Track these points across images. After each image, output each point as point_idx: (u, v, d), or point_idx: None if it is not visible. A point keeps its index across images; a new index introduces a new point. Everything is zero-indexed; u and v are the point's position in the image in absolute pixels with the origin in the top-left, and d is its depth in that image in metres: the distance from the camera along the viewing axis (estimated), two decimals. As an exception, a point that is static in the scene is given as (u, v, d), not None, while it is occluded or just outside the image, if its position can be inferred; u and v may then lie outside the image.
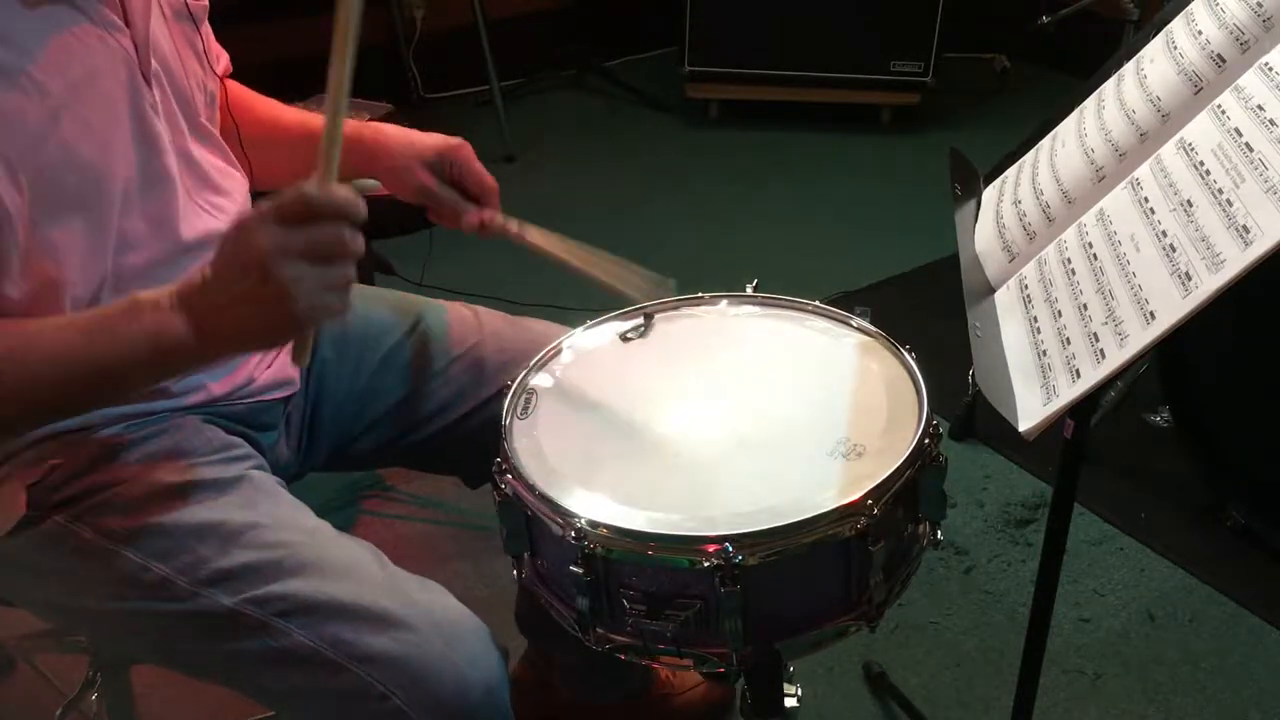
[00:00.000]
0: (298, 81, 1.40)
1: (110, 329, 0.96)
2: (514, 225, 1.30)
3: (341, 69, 0.89)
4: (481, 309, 1.41)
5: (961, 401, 2.24)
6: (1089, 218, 1.08)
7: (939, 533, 1.07)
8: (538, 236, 1.30)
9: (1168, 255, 0.94)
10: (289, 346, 0.99)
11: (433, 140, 1.30)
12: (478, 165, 1.30)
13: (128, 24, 1.06)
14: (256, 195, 1.29)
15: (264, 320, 0.93)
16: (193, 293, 0.94)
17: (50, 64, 0.97)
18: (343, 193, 0.91)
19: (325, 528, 1.13)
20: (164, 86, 1.11)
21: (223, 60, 1.30)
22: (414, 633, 1.04)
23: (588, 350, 1.21)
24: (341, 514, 2.12)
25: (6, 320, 0.98)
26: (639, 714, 1.67)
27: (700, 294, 1.26)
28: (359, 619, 1.04)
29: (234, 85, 1.34)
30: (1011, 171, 1.28)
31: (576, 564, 0.96)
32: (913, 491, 1.01)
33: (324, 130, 0.92)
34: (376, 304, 1.39)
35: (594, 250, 1.28)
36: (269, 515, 1.11)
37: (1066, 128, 1.21)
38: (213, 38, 1.27)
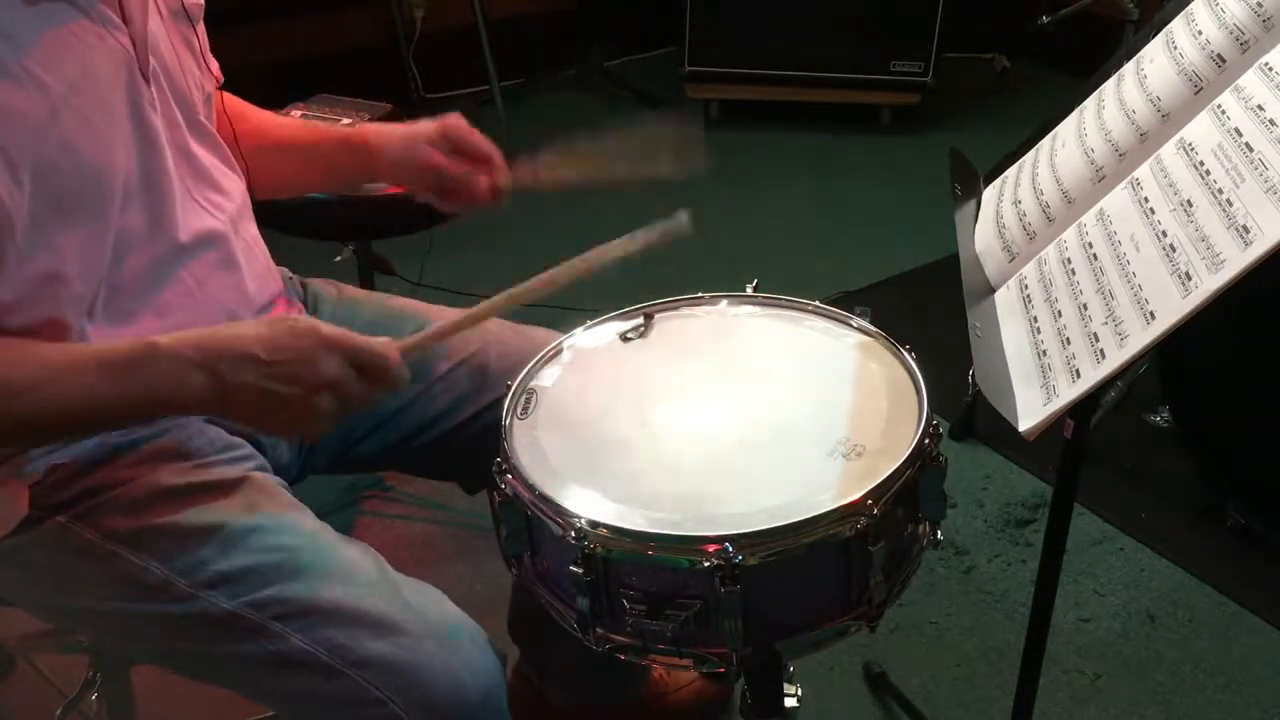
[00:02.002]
0: (293, 84, 1.41)
1: (126, 373, 0.98)
2: (526, 172, 1.30)
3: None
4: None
5: (961, 401, 2.24)
6: (1089, 218, 1.08)
7: (939, 533, 1.07)
8: (555, 168, 1.30)
9: (1168, 255, 0.94)
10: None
11: (429, 123, 1.31)
12: (476, 133, 1.31)
13: (125, 22, 1.06)
14: (256, 202, 1.29)
15: (275, 420, 1.02)
16: (222, 358, 0.99)
17: (49, 60, 0.97)
18: (406, 373, 1.05)
19: (325, 530, 1.13)
20: (162, 85, 1.11)
21: (213, 65, 1.30)
22: (411, 638, 1.04)
23: (588, 350, 1.21)
24: (342, 515, 2.12)
25: (28, 344, 1.00)
26: (633, 715, 1.66)
27: (700, 294, 1.26)
28: (357, 623, 1.04)
29: (230, 97, 1.34)
30: (1011, 171, 1.28)
31: (576, 564, 0.96)
32: (913, 491, 1.01)
33: (451, 322, 1.10)
34: (380, 309, 1.39)
35: (612, 146, 1.26)
36: (269, 517, 1.11)
37: (1066, 128, 1.21)
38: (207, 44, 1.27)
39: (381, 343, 1.04)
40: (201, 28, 1.22)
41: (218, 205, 1.18)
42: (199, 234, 1.14)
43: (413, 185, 1.32)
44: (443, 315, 1.40)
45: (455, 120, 1.30)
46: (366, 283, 2.13)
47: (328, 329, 1.02)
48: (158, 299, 1.10)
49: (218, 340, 1.00)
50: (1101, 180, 1.10)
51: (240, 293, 1.19)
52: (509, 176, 1.31)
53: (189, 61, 1.17)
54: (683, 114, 1.24)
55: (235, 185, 1.24)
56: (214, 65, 1.30)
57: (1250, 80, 0.98)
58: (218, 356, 0.98)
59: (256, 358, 0.98)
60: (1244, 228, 0.88)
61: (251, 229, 1.25)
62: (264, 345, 0.99)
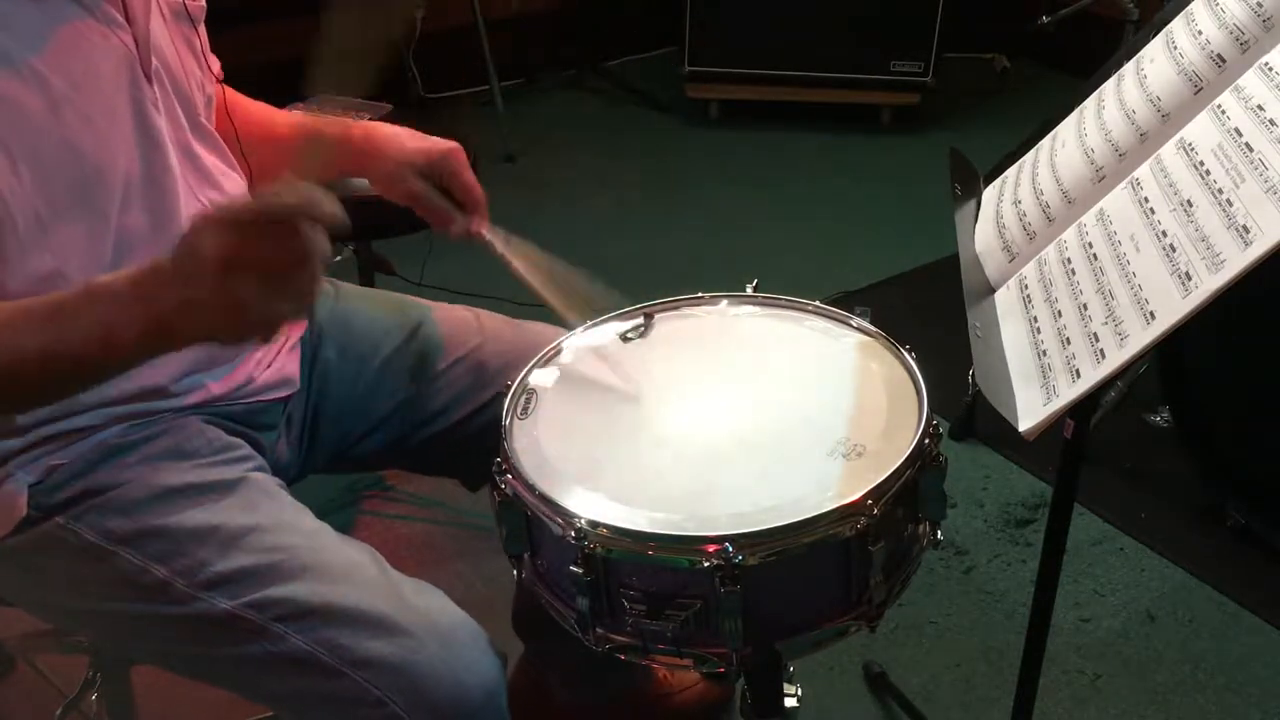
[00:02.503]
0: (291, 83, 1.40)
1: (66, 317, 0.92)
2: (499, 244, 1.28)
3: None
4: (483, 312, 1.41)
5: (961, 401, 2.24)
6: (1089, 218, 1.08)
7: (939, 533, 1.07)
8: (520, 262, 1.27)
9: (1168, 255, 0.94)
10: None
11: (424, 145, 1.28)
12: (468, 174, 1.29)
13: (129, 21, 1.06)
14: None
15: (219, 324, 0.90)
16: (146, 283, 0.90)
17: (52, 57, 0.98)
18: (297, 194, 0.86)
19: (325, 530, 1.13)
20: (165, 84, 1.11)
21: (214, 66, 1.29)
22: (412, 638, 1.04)
23: (588, 350, 1.21)
24: (341, 514, 2.12)
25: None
26: (636, 714, 1.66)
27: (700, 294, 1.26)
28: (357, 624, 1.04)
29: (226, 89, 1.34)
30: (1011, 171, 1.28)
31: (576, 564, 0.96)
32: (913, 491, 1.01)
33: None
34: (378, 306, 1.39)
35: (565, 277, 1.26)
36: (269, 518, 1.11)
37: (1066, 128, 1.21)
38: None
39: (256, 194, 0.91)
40: (203, 29, 1.22)
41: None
42: None
43: (391, 198, 1.31)
44: (439, 310, 1.40)
45: (452, 154, 1.28)
46: (366, 283, 2.14)
47: (209, 214, 0.90)
48: None
49: (139, 269, 0.91)
50: (1101, 180, 1.10)
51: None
52: (484, 233, 1.29)
53: (190, 62, 1.17)
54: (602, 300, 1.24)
55: (236, 185, 1.24)
56: (215, 64, 1.30)
57: (1250, 80, 0.98)
58: (141, 285, 0.90)
59: (162, 272, 0.89)
60: (1244, 228, 0.88)
61: (253, 229, 1.25)
62: (172, 257, 0.89)
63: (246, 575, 1.06)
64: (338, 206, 0.88)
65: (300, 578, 1.06)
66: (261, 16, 3.22)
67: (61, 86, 0.98)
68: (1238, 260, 0.87)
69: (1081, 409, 1.10)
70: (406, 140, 1.29)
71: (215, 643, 1.06)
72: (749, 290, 1.25)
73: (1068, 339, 1.01)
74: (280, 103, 1.43)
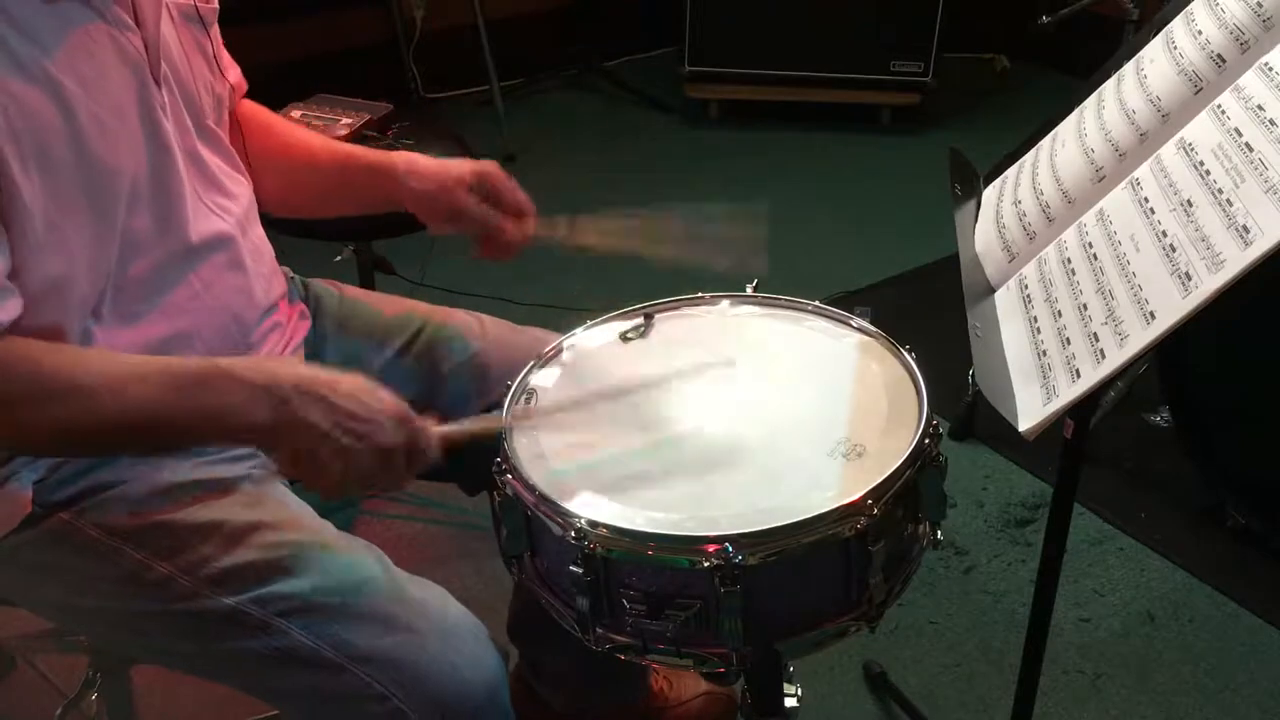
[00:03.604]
0: (293, 84, 1.41)
1: (190, 387, 0.98)
2: (561, 228, 1.30)
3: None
4: (485, 316, 1.41)
5: (961, 401, 2.24)
6: (1089, 218, 1.08)
7: (939, 533, 1.07)
8: (591, 233, 1.30)
9: (1168, 255, 0.94)
10: None
11: (468, 163, 1.30)
12: (512, 183, 1.30)
13: (138, 24, 1.06)
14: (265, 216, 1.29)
15: (320, 468, 0.99)
16: (296, 390, 0.98)
17: (63, 59, 0.98)
18: (436, 455, 1.04)
19: (327, 528, 1.14)
20: (173, 88, 1.11)
21: (234, 73, 1.29)
22: (414, 634, 1.04)
23: (588, 350, 1.21)
24: (342, 514, 2.12)
25: (87, 352, 1.01)
26: (630, 724, 1.66)
27: (700, 294, 1.26)
28: (360, 619, 1.04)
29: (260, 109, 1.34)
30: (1011, 171, 1.28)
31: (576, 564, 0.96)
32: (913, 491, 1.01)
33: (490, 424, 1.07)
34: (381, 310, 1.38)
35: (653, 224, 1.27)
36: (271, 515, 1.11)
37: (1066, 128, 1.21)
38: (223, 48, 1.27)
39: (429, 426, 1.04)
40: (215, 31, 1.22)
41: (225, 209, 1.18)
42: (208, 237, 1.14)
43: (433, 220, 1.30)
44: (441, 314, 1.39)
45: (492, 167, 1.30)
46: (366, 283, 2.13)
47: (397, 399, 1.02)
48: (165, 301, 1.10)
49: (291, 372, 1.00)
50: (1101, 180, 1.10)
51: (247, 295, 1.19)
52: (534, 231, 1.30)
53: (200, 65, 1.17)
54: (751, 211, 1.23)
55: (242, 188, 1.24)
56: (235, 72, 1.30)
57: (1250, 80, 0.98)
58: (290, 387, 0.98)
59: (328, 400, 0.98)
60: (1244, 228, 0.88)
61: (258, 231, 1.26)
62: (337, 390, 0.99)
63: (250, 571, 1.06)
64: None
65: (304, 574, 1.06)
66: (261, 17, 3.22)
67: (72, 89, 0.98)
68: (1238, 260, 0.87)
69: (1081, 409, 1.10)
70: (448, 163, 1.30)
71: (218, 639, 1.07)
72: (749, 290, 1.25)
73: (1068, 339, 1.01)
74: (280, 103, 1.43)
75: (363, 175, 1.32)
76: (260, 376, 0.98)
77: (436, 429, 1.05)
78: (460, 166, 1.29)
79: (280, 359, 1.10)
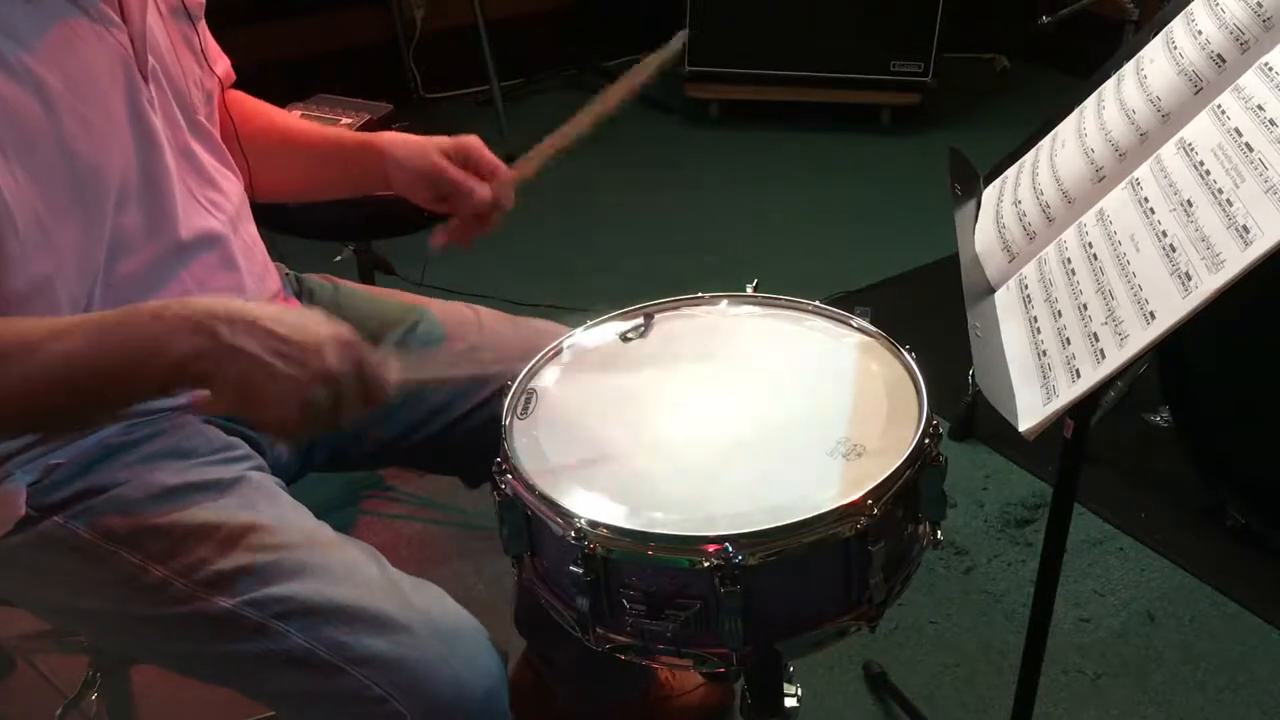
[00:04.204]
0: (293, 84, 1.41)
1: (107, 332, 0.93)
2: (521, 162, 1.32)
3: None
4: (482, 309, 1.41)
5: (961, 401, 2.24)
6: (1089, 218, 1.08)
7: (939, 533, 1.07)
8: (545, 148, 1.33)
9: (1168, 255, 0.94)
10: None
11: (447, 138, 1.31)
12: (490, 154, 1.31)
13: (124, 20, 1.06)
14: (254, 204, 1.29)
15: (262, 400, 0.93)
16: (221, 319, 0.92)
17: (48, 57, 0.97)
18: (395, 391, 0.99)
19: (324, 529, 1.13)
20: (161, 83, 1.11)
21: (222, 64, 1.29)
22: (412, 635, 1.04)
23: (588, 350, 1.21)
24: (341, 514, 2.12)
25: (7, 320, 0.97)
26: (638, 717, 1.66)
27: (700, 294, 1.26)
28: (357, 621, 1.04)
29: (244, 96, 1.34)
30: (1011, 171, 1.28)
31: (576, 564, 0.96)
32: (913, 491, 1.01)
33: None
34: (377, 303, 1.39)
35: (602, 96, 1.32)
36: (268, 516, 1.11)
37: (1066, 128, 1.21)
38: (212, 40, 1.27)
39: (388, 362, 0.99)
40: (203, 26, 1.22)
41: (217, 205, 1.18)
42: (199, 234, 1.14)
43: (413, 189, 1.31)
44: (438, 307, 1.40)
45: (472, 139, 1.31)
46: (366, 283, 2.13)
47: (344, 326, 0.97)
48: (156, 299, 1.10)
49: (218, 301, 0.94)
50: (1101, 180, 1.10)
51: (240, 293, 1.19)
52: (509, 179, 1.31)
53: (189, 60, 1.17)
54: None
55: (233, 185, 1.24)
56: (224, 64, 1.30)
57: (1250, 80, 0.97)
58: (219, 316, 0.92)
59: (263, 326, 0.92)
60: (1244, 228, 0.88)
61: (250, 229, 1.25)
62: (271, 316, 0.93)
63: (246, 573, 1.06)
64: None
65: (300, 576, 1.06)
66: (261, 17, 3.22)
67: (57, 86, 0.98)
68: (1238, 260, 0.87)
69: (1081, 409, 1.10)
70: (431, 138, 1.31)
71: (215, 641, 1.06)
72: (749, 290, 1.25)
73: (1068, 339, 1.01)
74: (280, 103, 1.43)
75: (350, 154, 1.33)
76: (184, 309, 0.93)
77: (396, 365, 1.00)
78: (440, 139, 1.30)
79: (213, 296, 1.02)
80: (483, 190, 1.29)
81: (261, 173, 1.31)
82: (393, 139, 1.32)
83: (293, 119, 1.39)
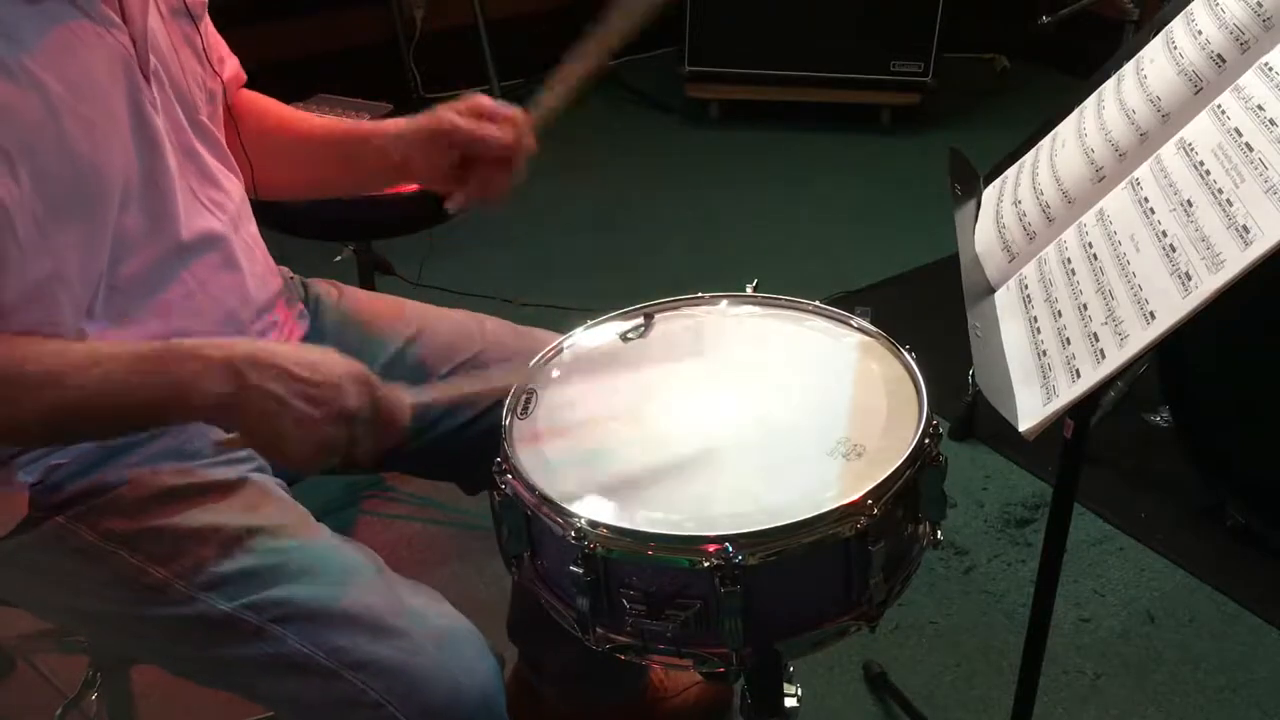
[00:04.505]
0: (293, 84, 1.41)
1: (143, 367, 0.98)
2: (534, 106, 1.28)
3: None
4: (485, 317, 1.41)
5: (961, 401, 2.24)
6: (1089, 218, 1.08)
7: (939, 533, 1.07)
8: (559, 84, 1.29)
9: (1168, 255, 0.94)
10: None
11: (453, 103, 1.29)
12: (501, 105, 1.28)
13: (125, 21, 1.06)
14: (256, 202, 1.29)
15: (285, 439, 0.98)
16: (249, 361, 0.97)
17: (49, 60, 0.97)
18: (408, 420, 1.04)
19: (324, 532, 1.13)
20: (163, 83, 1.11)
21: (231, 65, 1.29)
22: (409, 640, 1.04)
23: (588, 350, 1.21)
24: (341, 515, 2.12)
25: (42, 340, 0.99)
26: (631, 719, 1.66)
27: (700, 294, 1.26)
28: (355, 626, 1.04)
29: (258, 96, 1.34)
30: (1011, 171, 1.28)
31: (577, 564, 0.96)
32: (913, 491, 1.01)
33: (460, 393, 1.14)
34: (380, 311, 1.38)
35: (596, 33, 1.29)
36: (269, 519, 1.11)
37: (1066, 128, 1.21)
38: (220, 41, 1.27)
39: (399, 394, 1.04)
40: (206, 25, 1.22)
41: (219, 205, 1.18)
42: (201, 234, 1.14)
43: (429, 160, 1.26)
44: (442, 316, 1.40)
45: (482, 97, 1.28)
46: (366, 283, 2.13)
47: (357, 363, 1.01)
48: (158, 300, 1.10)
49: (245, 343, 1.00)
50: (1101, 180, 1.10)
51: (241, 293, 1.19)
52: (530, 130, 1.27)
53: (190, 60, 1.17)
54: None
55: (235, 185, 1.24)
56: (233, 64, 1.29)
57: (1250, 80, 0.98)
58: (245, 359, 0.97)
59: (285, 369, 0.97)
60: (1244, 228, 0.88)
61: (251, 229, 1.25)
62: (293, 358, 0.98)
63: (245, 576, 1.06)
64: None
65: (299, 579, 1.06)
66: (261, 17, 3.22)
67: (58, 89, 0.98)
68: (1238, 260, 0.87)
69: (1081, 409, 1.10)
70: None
71: (213, 644, 1.06)
72: (749, 290, 1.25)
73: (1068, 339, 1.01)
74: (284, 103, 1.43)
75: (360, 144, 1.30)
76: (216, 351, 0.98)
77: (408, 396, 1.05)
78: (448, 105, 1.28)
79: (240, 339, 1.09)
80: (503, 133, 1.25)
81: (272, 171, 1.31)
82: (396, 122, 1.29)
83: (303, 114, 1.37)
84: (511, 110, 1.26)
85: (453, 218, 1.68)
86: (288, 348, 1.01)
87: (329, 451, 0.99)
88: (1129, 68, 1.16)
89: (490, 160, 1.26)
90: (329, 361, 1.00)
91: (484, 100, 1.27)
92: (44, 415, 0.97)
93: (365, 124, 1.34)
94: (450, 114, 1.25)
